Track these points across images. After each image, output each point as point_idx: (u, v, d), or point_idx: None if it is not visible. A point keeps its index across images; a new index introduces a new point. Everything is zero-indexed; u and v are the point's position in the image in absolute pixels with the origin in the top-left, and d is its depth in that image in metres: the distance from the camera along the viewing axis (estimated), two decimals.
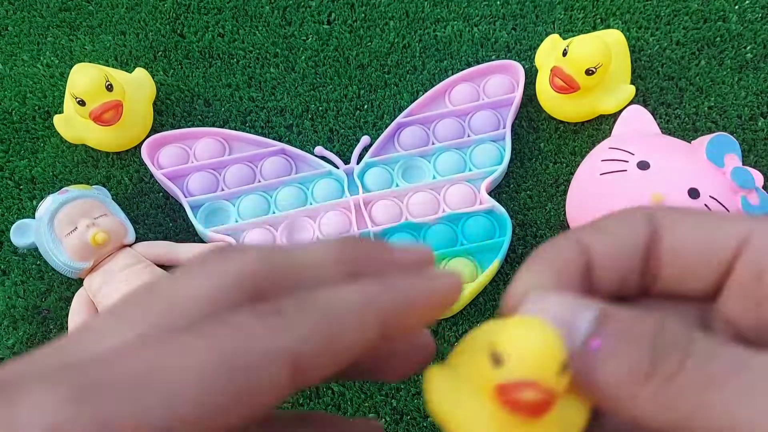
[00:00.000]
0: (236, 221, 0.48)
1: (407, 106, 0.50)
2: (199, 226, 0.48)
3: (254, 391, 0.13)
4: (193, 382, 0.13)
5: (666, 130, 0.49)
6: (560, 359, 0.15)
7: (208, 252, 0.15)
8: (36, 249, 0.45)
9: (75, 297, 0.45)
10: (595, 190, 0.45)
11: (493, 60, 0.52)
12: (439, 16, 0.54)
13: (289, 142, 0.50)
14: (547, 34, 0.52)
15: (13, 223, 0.45)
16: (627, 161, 0.45)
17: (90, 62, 0.52)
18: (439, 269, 0.16)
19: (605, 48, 0.46)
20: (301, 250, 0.16)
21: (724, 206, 0.43)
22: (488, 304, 0.46)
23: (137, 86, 0.50)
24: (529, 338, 0.15)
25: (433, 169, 0.49)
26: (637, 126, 0.48)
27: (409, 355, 0.18)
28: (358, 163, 0.50)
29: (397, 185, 0.49)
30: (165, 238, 0.48)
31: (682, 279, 0.16)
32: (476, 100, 0.50)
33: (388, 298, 0.15)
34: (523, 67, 0.51)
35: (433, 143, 0.50)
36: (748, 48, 0.52)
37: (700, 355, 0.14)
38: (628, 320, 0.15)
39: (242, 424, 0.14)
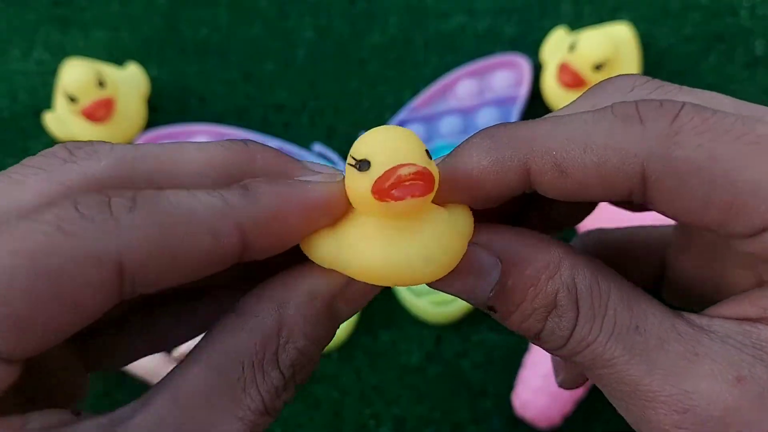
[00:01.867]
0: None
1: (409, 102, 0.50)
2: None
3: (73, 296, 0.12)
4: None
5: None
6: (422, 145, 0.14)
7: (53, 149, 0.14)
8: None
9: None
10: None
11: (497, 55, 0.51)
12: (442, 10, 0.53)
13: (287, 140, 0.50)
14: (553, 28, 0.51)
15: None
16: None
17: (82, 58, 0.52)
18: (319, 171, 0.15)
19: (614, 43, 0.46)
20: (174, 151, 0.14)
21: None
22: None
23: (130, 82, 0.50)
24: (387, 132, 0.14)
25: None
26: None
27: None
28: None
29: None
30: None
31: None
32: (481, 96, 0.49)
33: (250, 208, 0.14)
34: (529, 62, 0.50)
35: (436, 140, 0.49)
36: (759, 43, 0.51)
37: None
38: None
39: (82, 326, 0.13)
